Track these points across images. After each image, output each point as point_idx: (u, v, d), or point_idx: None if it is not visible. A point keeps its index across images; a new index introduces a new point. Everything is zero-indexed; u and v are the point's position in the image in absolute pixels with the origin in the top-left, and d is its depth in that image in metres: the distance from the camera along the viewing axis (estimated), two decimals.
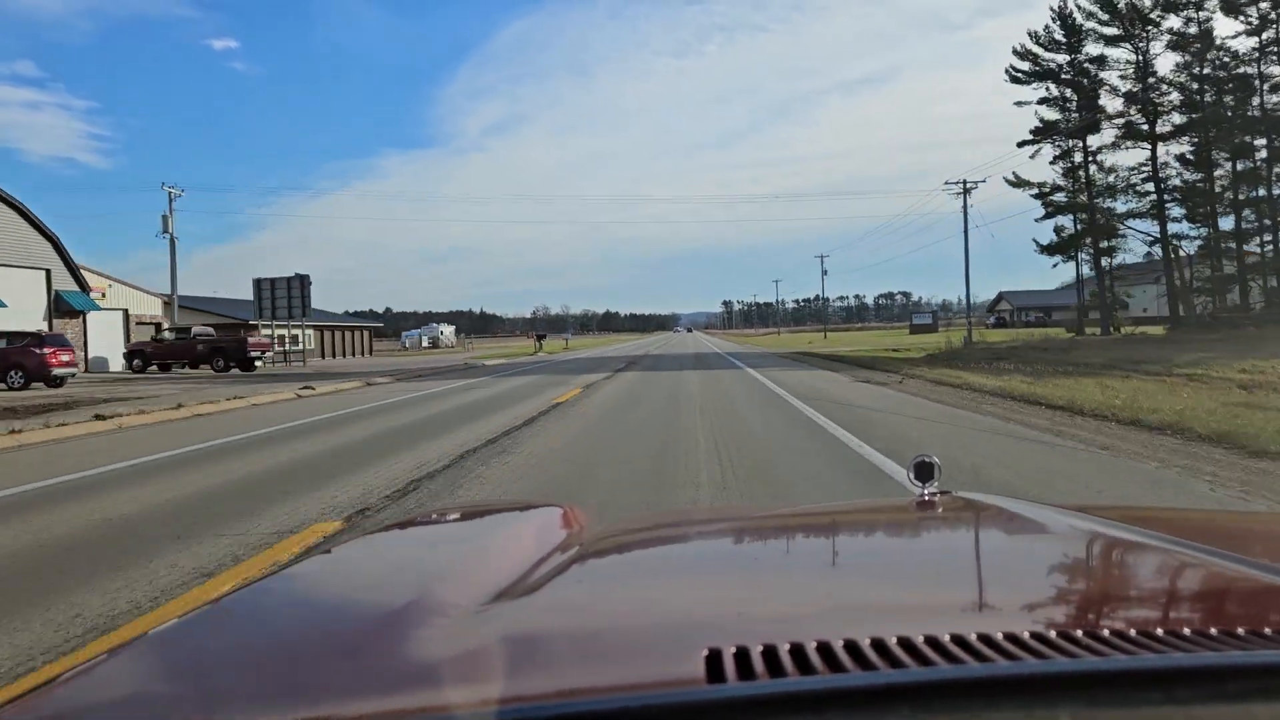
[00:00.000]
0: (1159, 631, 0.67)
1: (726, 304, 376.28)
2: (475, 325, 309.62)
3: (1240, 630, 0.68)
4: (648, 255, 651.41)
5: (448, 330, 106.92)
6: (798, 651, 0.64)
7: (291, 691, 0.76)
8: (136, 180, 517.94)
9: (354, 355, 74.97)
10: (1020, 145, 50.38)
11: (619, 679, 0.67)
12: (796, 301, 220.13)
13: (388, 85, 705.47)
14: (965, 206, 48.66)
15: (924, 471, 1.56)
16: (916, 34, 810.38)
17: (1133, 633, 0.66)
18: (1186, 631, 0.67)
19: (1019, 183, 50.67)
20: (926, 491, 1.52)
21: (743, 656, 0.65)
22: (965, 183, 48.93)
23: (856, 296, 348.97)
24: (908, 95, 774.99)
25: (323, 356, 69.64)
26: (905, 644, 0.64)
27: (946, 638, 0.65)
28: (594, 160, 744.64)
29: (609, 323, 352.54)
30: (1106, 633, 0.66)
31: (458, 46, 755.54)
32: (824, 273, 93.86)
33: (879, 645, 0.64)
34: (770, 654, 0.64)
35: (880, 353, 38.33)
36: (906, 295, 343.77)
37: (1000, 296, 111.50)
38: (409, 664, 0.78)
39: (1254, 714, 0.58)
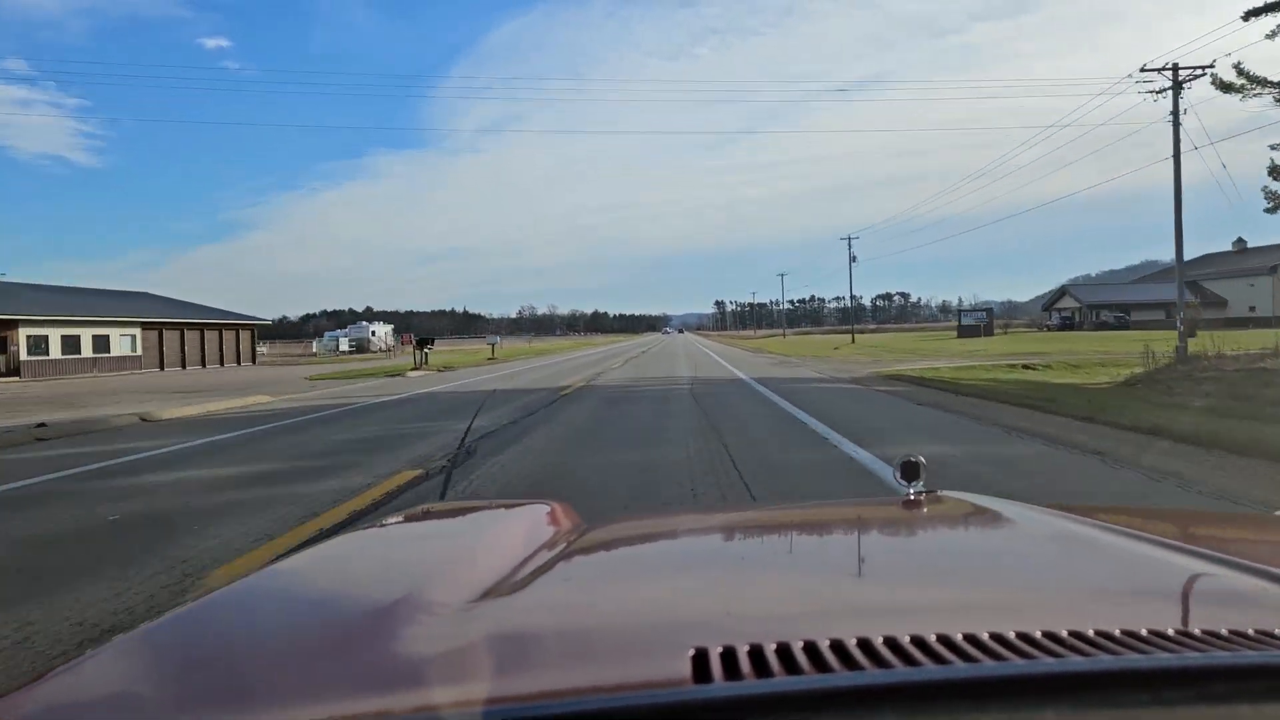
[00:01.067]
0: (1143, 632, 0.65)
1: (719, 304, 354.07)
2: (459, 325, 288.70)
3: (1223, 631, 0.66)
4: (639, 256, 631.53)
5: (382, 330, 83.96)
6: (784, 651, 0.63)
7: (275, 691, 0.74)
8: (126, 179, 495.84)
9: (216, 365, 52.53)
10: (1250, 15, 28.05)
11: (605, 679, 0.65)
12: (791, 303, 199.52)
13: (380, 84, 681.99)
14: (1176, 110, 26.29)
15: (910, 471, 1.51)
16: (908, 38, 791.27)
17: (1117, 633, 0.65)
18: (1170, 632, 0.66)
19: (1244, 82, 28.36)
20: (913, 490, 1.48)
21: (729, 656, 0.63)
22: (1176, 69, 26.52)
23: (854, 297, 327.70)
24: (900, 98, 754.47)
25: (161, 367, 47.53)
26: (891, 644, 0.63)
27: (932, 638, 0.64)
28: (588, 162, 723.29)
29: (597, 323, 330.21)
30: (1091, 633, 0.65)
31: (451, 47, 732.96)
32: (852, 259, 71.41)
33: (865, 645, 0.63)
34: (757, 654, 0.63)
35: (989, 371, 21.95)
36: (904, 296, 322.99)
37: (1063, 291, 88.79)
38: (395, 663, 0.76)
39: (1238, 715, 0.57)
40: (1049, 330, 79.17)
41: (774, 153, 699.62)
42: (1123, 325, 73.72)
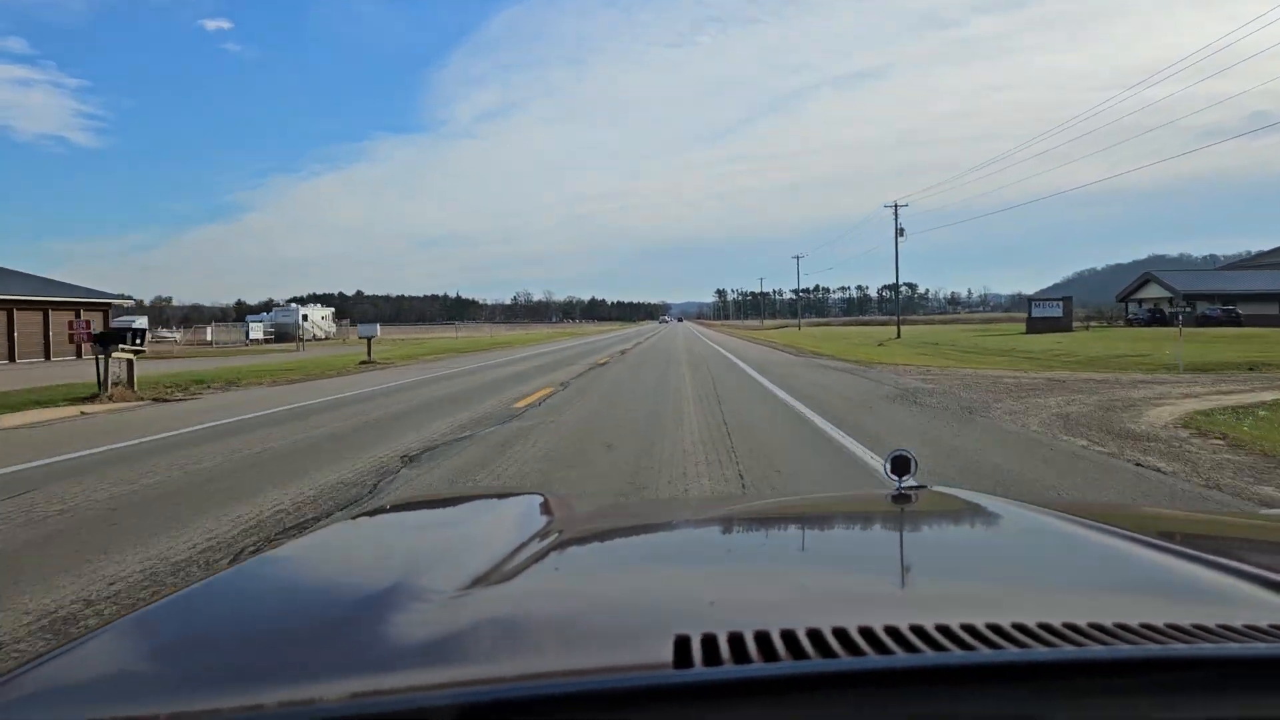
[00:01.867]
0: (1109, 624, 0.66)
1: (720, 293, 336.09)
2: (451, 311, 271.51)
3: (1187, 624, 0.67)
4: (638, 244, 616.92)
5: (317, 314, 67.47)
6: (763, 639, 0.63)
7: (269, 673, 0.74)
8: (124, 159, 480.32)
9: (36, 358, 36.36)
10: None
11: (589, 663, 0.66)
12: (795, 292, 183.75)
13: (380, 69, 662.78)
14: None
15: (900, 466, 1.50)
16: (909, 30, 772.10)
17: (1084, 625, 0.66)
18: (1135, 624, 0.66)
19: None
20: (903, 485, 1.48)
21: (710, 643, 0.64)
22: None
23: (859, 288, 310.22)
24: (900, 91, 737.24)
25: None
26: (866, 633, 0.64)
27: (906, 628, 0.65)
28: (586, 150, 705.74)
29: (594, 311, 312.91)
30: (1059, 625, 0.66)
31: (451, 32, 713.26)
32: (899, 232, 54.68)
33: (841, 634, 0.64)
34: (736, 641, 0.64)
35: None
36: (912, 287, 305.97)
37: (1146, 278, 71.51)
38: (386, 647, 0.76)
39: (1194, 705, 0.57)
40: (1132, 325, 62.61)
41: (773, 143, 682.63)
42: (1232, 320, 57.21)
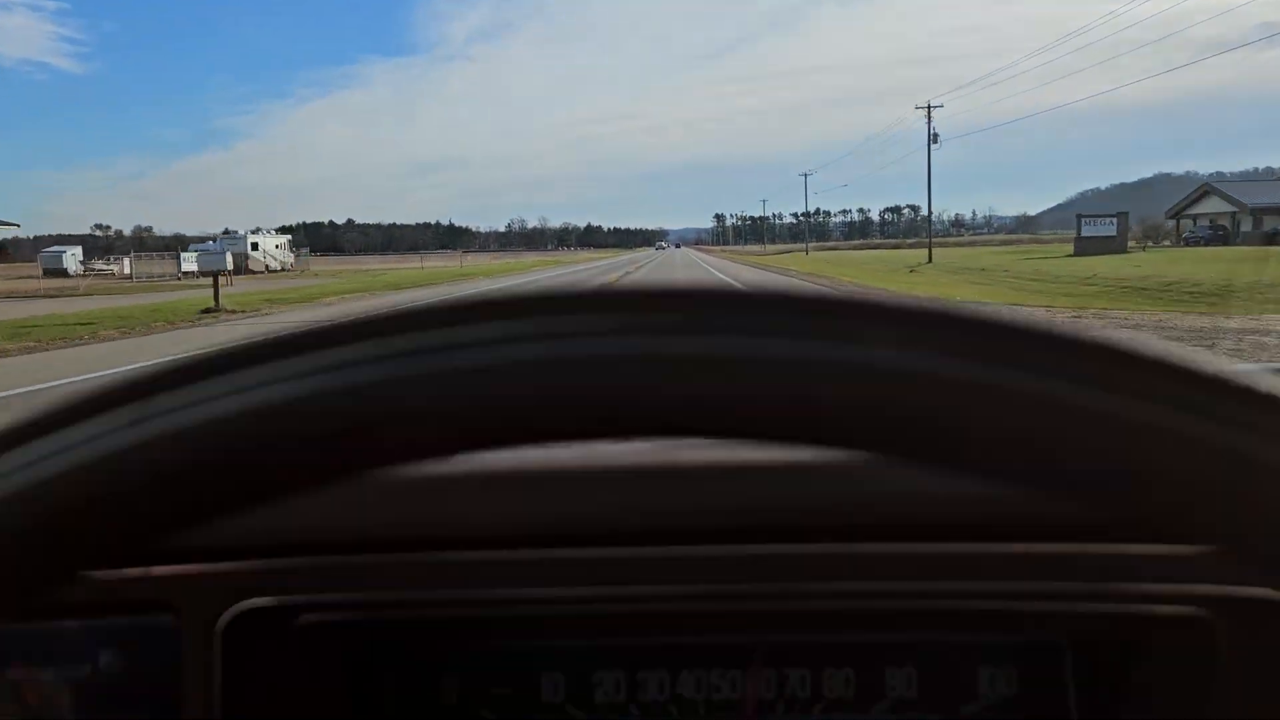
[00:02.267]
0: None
1: (719, 217, 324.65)
2: (443, 239, 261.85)
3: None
4: (635, 169, 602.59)
5: (270, 242, 59.35)
6: None
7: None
8: (112, 86, 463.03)
9: None
10: None
11: None
12: (795, 216, 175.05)
13: None
14: None
15: None
16: None
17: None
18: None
19: None
20: None
21: None
22: None
23: (861, 210, 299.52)
24: (904, 6, 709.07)
25: None
26: None
27: None
28: (583, 71, 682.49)
29: (591, 237, 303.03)
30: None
31: None
32: (932, 138, 46.31)
33: None
34: None
35: None
36: (914, 209, 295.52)
37: (1205, 190, 63.03)
38: None
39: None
40: (1188, 245, 54.78)
41: (773, 62, 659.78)
42: None
